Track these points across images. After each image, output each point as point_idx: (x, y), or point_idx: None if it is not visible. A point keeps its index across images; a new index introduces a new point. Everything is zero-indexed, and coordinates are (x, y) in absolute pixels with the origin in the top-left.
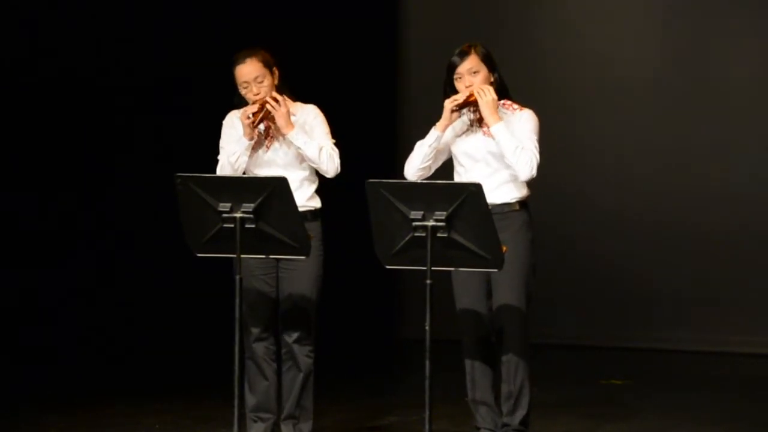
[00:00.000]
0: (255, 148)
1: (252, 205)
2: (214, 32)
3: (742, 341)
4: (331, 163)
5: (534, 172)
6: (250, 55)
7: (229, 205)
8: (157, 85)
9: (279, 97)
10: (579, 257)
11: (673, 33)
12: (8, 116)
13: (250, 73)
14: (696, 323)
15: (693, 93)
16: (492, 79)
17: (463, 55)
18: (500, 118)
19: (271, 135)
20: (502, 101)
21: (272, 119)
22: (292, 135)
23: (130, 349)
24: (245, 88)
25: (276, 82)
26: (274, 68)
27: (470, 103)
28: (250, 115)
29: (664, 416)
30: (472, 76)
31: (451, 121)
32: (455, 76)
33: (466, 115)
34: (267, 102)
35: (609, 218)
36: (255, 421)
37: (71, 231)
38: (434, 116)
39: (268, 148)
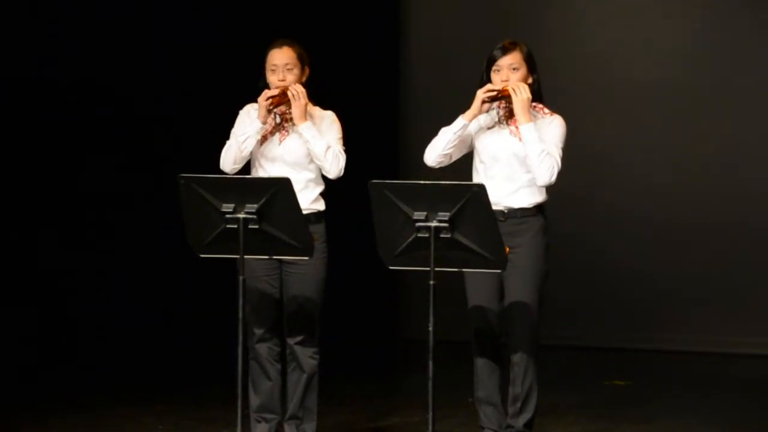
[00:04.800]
0: (267, 137)
1: (255, 205)
2: (216, 34)
3: (746, 342)
4: (335, 163)
5: (553, 179)
6: (287, 43)
7: (232, 205)
8: (161, 85)
9: (302, 90)
10: (582, 259)
11: (679, 35)
12: (7, 117)
13: (282, 59)
14: (699, 324)
15: (695, 94)
16: (530, 80)
17: (506, 50)
18: (532, 119)
19: (285, 129)
20: (534, 104)
21: (289, 106)
22: (303, 127)
23: (131, 349)
24: (272, 71)
25: (304, 79)
26: (307, 66)
27: (503, 97)
28: (269, 98)
29: (667, 417)
30: (511, 72)
31: (480, 111)
32: (494, 68)
33: (495, 111)
34: (289, 89)
35: (611, 219)
36: (259, 422)
37: (71, 230)
38: (436, 118)
39: (280, 142)
